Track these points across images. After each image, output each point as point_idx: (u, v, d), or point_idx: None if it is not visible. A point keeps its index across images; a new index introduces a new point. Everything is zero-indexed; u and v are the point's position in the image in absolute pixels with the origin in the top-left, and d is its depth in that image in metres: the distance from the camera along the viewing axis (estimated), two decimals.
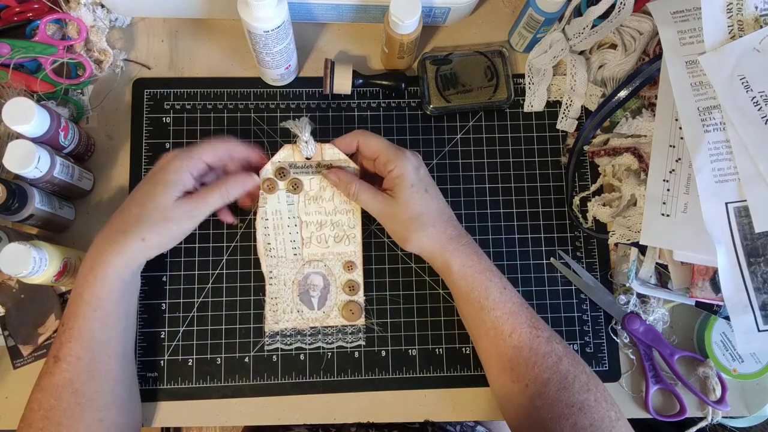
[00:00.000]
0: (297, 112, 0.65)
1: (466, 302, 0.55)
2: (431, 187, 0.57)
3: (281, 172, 0.58)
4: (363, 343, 0.61)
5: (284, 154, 0.59)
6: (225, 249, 0.62)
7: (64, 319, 0.52)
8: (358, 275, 0.61)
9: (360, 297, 0.61)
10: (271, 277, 0.60)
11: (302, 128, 0.56)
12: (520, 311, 0.54)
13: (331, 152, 0.58)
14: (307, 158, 0.58)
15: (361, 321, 0.60)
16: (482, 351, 0.56)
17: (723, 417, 0.61)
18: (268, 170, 0.58)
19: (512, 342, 0.53)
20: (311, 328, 0.60)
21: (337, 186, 0.58)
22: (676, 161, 0.57)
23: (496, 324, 0.54)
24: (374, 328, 0.61)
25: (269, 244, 0.60)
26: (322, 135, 0.65)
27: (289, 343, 0.60)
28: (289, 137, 0.64)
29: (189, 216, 0.54)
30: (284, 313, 0.60)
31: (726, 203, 0.53)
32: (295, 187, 0.59)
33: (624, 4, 0.60)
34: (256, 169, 0.58)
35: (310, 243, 0.60)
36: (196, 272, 0.62)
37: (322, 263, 0.60)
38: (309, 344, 0.60)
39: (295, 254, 0.60)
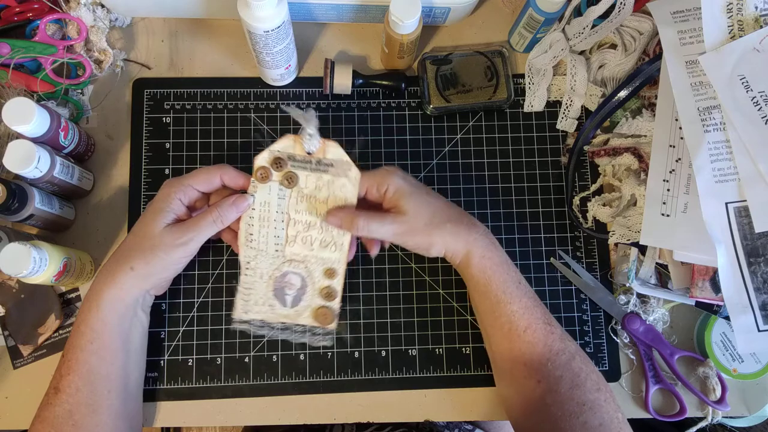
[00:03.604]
0: None
1: (483, 295, 0.55)
2: (427, 188, 0.57)
3: (278, 163, 0.55)
4: (330, 344, 0.60)
5: (284, 144, 0.56)
6: (225, 249, 0.62)
7: (64, 351, 0.52)
8: (337, 283, 0.57)
9: (336, 303, 0.57)
10: (247, 268, 0.57)
11: (308, 120, 0.53)
12: (536, 307, 0.54)
13: (335, 151, 0.56)
14: (309, 153, 0.56)
15: (332, 326, 0.58)
16: (494, 345, 0.56)
17: (723, 417, 0.61)
18: (264, 158, 0.55)
19: (527, 338, 0.53)
20: (281, 323, 0.58)
21: (341, 228, 0.55)
22: (676, 161, 0.57)
23: (512, 318, 0.53)
24: (346, 336, 0.61)
25: (251, 234, 0.56)
26: (322, 135, 0.64)
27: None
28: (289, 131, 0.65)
29: (178, 243, 0.52)
30: (255, 304, 0.57)
31: (726, 203, 0.53)
32: (290, 180, 0.56)
33: (624, 4, 0.60)
34: None
35: (294, 242, 0.57)
36: (196, 272, 0.62)
37: (303, 265, 0.57)
38: (276, 336, 0.59)
39: (277, 250, 0.57)
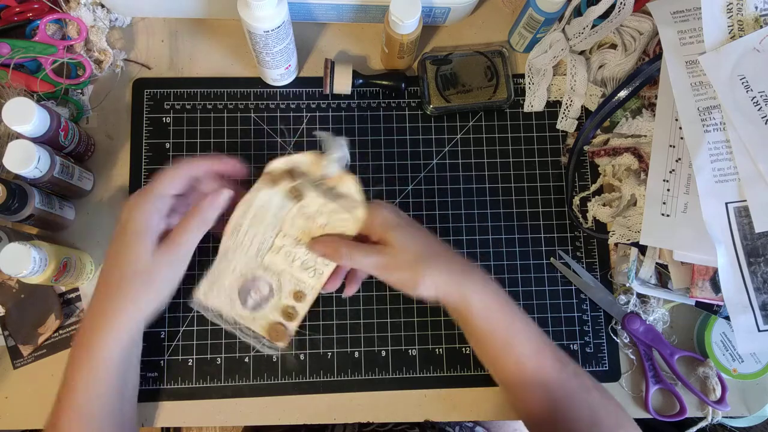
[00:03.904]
0: (297, 112, 0.65)
1: (486, 341, 0.52)
2: (417, 224, 0.55)
3: (291, 174, 0.55)
4: (274, 354, 0.59)
5: (303, 159, 0.55)
6: None
7: (59, 393, 0.50)
8: (302, 307, 0.56)
9: (293, 325, 0.56)
10: (224, 257, 0.56)
11: (335, 147, 0.53)
12: (545, 346, 0.52)
13: (350, 186, 0.55)
14: (323, 177, 0.55)
15: (282, 345, 0.56)
16: (505, 383, 0.54)
17: (723, 417, 0.61)
18: (279, 163, 0.55)
19: (538, 378, 0.51)
20: (234, 321, 0.57)
21: (326, 256, 0.54)
22: (676, 161, 0.57)
23: (520, 360, 0.51)
24: (346, 336, 0.61)
25: (240, 226, 0.55)
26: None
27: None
28: (289, 138, 0.65)
29: (173, 261, 0.51)
30: (217, 294, 0.56)
31: (726, 203, 0.53)
32: (296, 195, 0.55)
33: (624, 4, 0.60)
34: (234, 176, 0.55)
35: (278, 253, 0.56)
36: (196, 272, 0.61)
37: (276, 277, 0.56)
38: (223, 329, 0.58)
39: (257, 254, 0.56)
